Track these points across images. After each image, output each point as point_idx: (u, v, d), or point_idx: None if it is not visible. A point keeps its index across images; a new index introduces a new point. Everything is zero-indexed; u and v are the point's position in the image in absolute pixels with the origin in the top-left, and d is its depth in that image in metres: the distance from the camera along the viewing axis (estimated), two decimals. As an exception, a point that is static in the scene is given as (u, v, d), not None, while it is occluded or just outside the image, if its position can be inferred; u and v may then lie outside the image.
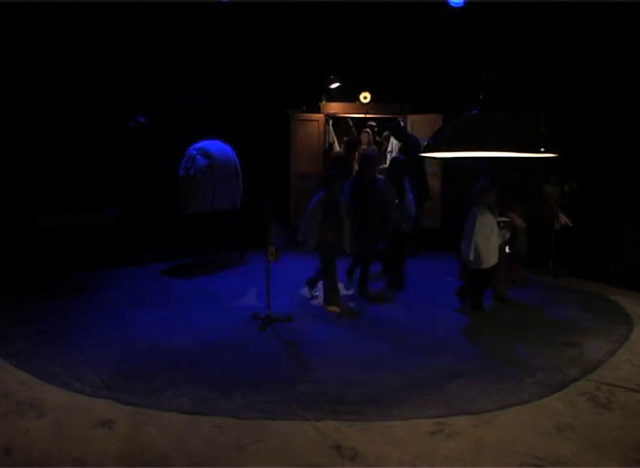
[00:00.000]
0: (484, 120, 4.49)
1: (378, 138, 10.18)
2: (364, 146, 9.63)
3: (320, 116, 9.21)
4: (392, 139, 9.59)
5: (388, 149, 9.67)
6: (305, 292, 6.16)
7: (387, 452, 3.07)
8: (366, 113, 9.38)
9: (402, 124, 9.23)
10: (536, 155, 4.69)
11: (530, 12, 6.97)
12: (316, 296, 6.07)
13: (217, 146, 7.47)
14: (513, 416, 3.50)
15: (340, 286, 6.03)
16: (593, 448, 3.12)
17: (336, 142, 9.49)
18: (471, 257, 5.40)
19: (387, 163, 9.43)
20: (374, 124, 9.32)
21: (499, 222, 5.62)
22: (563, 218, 6.29)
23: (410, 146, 7.99)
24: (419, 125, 9.16)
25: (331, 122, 9.46)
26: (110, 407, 3.57)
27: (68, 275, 6.66)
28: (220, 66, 8.05)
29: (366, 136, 9.75)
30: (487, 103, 4.53)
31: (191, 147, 7.29)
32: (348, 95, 9.17)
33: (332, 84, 9.04)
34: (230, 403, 3.64)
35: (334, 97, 9.22)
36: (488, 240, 5.41)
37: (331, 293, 5.71)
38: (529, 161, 5.48)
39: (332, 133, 9.46)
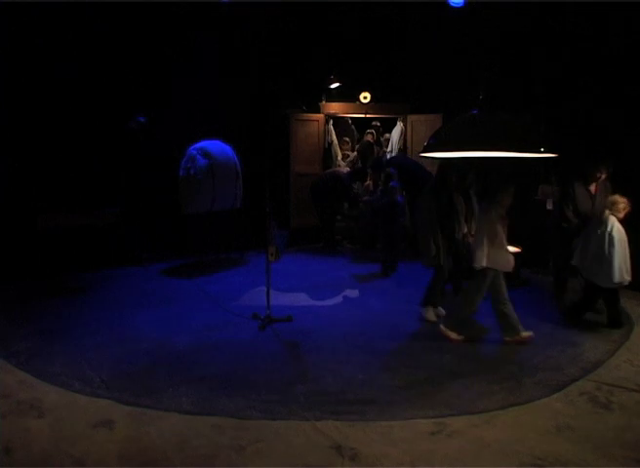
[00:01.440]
0: (483, 120, 4.48)
1: (381, 138, 10.21)
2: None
3: (320, 116, 9.22)
4: (392, 139, 9.61)
5: (388, 149, 9.70)
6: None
7: (387, 452, 3.07)
8: (366, 113, 9.39)
9: (382, 158, 8.91)
10: (536, 155, 4.69)
11: (530, 11, 6.97)
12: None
13: (217, 146, 7.46)
14: (513, 416, 3.50)
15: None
16: (593, 448, 3.12)
17: (335, 141, 9.49)
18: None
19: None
20: (378, 124, 9.27)
21: None
22: None
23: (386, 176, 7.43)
24: (418, 125, 9.17)
25: (331, 122, 9.47)
26: (110, 407, 3.57)
27: (68, 275, 6.66)
28: (219, 66, 8.05)
29: (370, 137, 9.78)
30: (487, 103, 4.52)
31: (191, 147, 7.29)
32: (348, 95, 9.18)
33: (332, 84, 9.05)
34: (230, 403, 3.64)
35: (334, 97, 9.23)
36: None
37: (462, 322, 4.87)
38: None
39: (332, 132, 9.46)
